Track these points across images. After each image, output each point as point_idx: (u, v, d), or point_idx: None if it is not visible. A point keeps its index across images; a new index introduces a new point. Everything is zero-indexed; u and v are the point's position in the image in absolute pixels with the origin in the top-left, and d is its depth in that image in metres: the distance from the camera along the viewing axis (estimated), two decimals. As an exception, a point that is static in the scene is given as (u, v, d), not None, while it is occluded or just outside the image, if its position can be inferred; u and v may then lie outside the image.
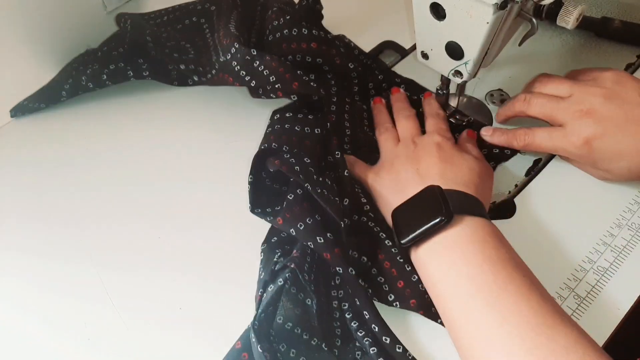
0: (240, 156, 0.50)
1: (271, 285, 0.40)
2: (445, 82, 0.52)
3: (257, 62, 0.51)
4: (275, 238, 0.45)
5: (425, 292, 0.41)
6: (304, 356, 0.39)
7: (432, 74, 0.51)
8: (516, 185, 0.50)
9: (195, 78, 0.57)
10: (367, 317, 0.40)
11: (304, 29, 0.53)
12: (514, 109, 0.50)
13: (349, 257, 0.41)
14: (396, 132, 0.51)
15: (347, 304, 0.41)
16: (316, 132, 0.49)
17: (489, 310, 0.36)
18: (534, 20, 0.44)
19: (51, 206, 0.50)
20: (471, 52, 0.45)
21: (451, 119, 0.53)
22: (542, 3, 0.42)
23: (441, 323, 0.40)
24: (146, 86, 0.59)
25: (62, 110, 0.58)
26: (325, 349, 0.40)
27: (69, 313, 0.43)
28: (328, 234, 0.41)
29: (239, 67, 0.52)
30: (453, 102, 0.54)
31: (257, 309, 0.40)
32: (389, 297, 0.41)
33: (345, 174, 0.46)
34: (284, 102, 0.52)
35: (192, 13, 0.61)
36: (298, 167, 0.44)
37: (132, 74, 0.57)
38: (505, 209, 0.48)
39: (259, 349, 0.37)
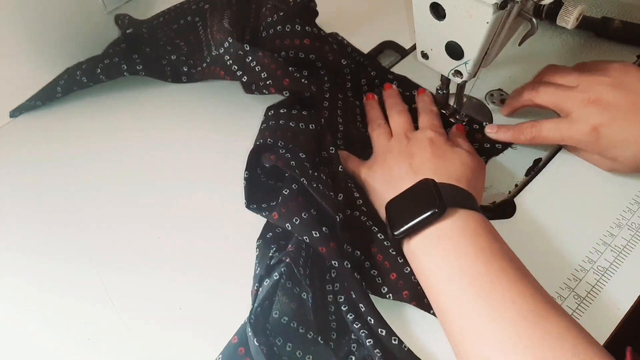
0: (240, 156, 0.50)
1: (267, 280, 0.41)
2: (445, 82, 0.52)
3: (250, 58, 0.51)
4: (271, 234, 0.46)
5: (418, 284, 0.41)
6: (300, 350, 0.40)
7: (432, 74, 0.51)
8: (516, 185, 0.50)
9: (185, 69, 0.57)
10: (362, 310, 0.40)
11: (297, 26, 0.54)
12: (521, 99, 0.51)
13: (344, 251, 0.42)
14: (389, 127, 0.51)
15: (342, 297, 0.42)
16: (310, 127, 0.50)
17: (481, 301, 0.36)
18: (534, 20, 0.44)
19: (51, 206, 0.50)
20: (471, 52, 0.45)
21: (451, 119, 0.53)
22: (542, 3, 0.42)
23: (433, 314, 0.40)
24: (146, 87, 0.59)
25: (62, 110, 0.58)
26: (321, 342, 0.40)
27: (69, 313, 0.43)
28: (324, 228, 0.41)
29: (231, 62, 0.52)
30: (453, 102, 0.54)
31: (253, 304, 0.40)
32: (382, 289, 0.42)
33: (340, 169, 0.47)
34: (279, 99, 0.52)
35: (187, 13, 0.62)
36: (294, 162, 0.45)
37: (125, 67, 0.57)
38: (505, 209, 0.48)
39: (255, 342, 0.37)
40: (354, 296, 0.41)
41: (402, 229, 0.40)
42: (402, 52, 0.62)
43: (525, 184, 0.50)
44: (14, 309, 0.44)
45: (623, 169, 0.47)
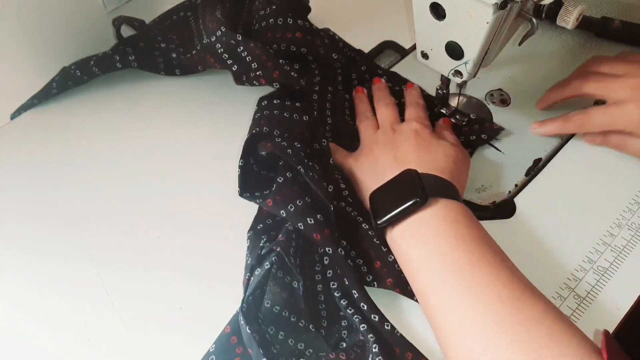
0: (240, 156, 0.50)
1: (258, 269, 0.41)
2: (445, 82, 0.52)
3: (241, 48, 0.52)
4: (261, 225, 0.46)
5: (401, 272, 0.42)
6: (292, 338, 0.40)
7: (432, 74, 0.51)
8: (516, 185, 0.50)
9: (174, 55, 0.57)
10: (355, 296, 0.41)
11: (289, 19, 0.54)
12: (566, 90, 0.51)
13: (337, 238, 0.43)
14: (376, 120, 0.52)
15: (335, 284, 0.42)
16: (304, 119, 0.50)
17: (461, 288, 0.37)
18: (534, 20, 0.44)
19: (51, 206, 0.50)
20: (471, 52, 0.45)
21: (452, 119, 0.53)
22: (542, 3, 0.42)
23: (417, 300, 0.41)
24: (146, 87, 0.59)
25: (62, 110, 0.58)
26: (313, 330, 0.41)
27: (69, 313, 0.43)
28: (318, 215, 0.42)
29: (222, 50, 0.52)
30: (453, 102, 0.54)
31: (245, 293, 0.41)
32: (367, 277, 0.43)
33: (331, 162, 0.48)
34: (271, 91, 0.52)
35: (180, 9, 0.62)
36: (290, 150, 0.45)
37: (118, 57, 0.57)
38: (505, 209, 0.48)
39: (247, 330, 0.38)
40: (347, 283, 0.42)
41: (385, 218, 0.41)
42: (402, 52, 0.62)
43: (525, 184, 0.50)
44: (14, 309, 0.44)
45: None
